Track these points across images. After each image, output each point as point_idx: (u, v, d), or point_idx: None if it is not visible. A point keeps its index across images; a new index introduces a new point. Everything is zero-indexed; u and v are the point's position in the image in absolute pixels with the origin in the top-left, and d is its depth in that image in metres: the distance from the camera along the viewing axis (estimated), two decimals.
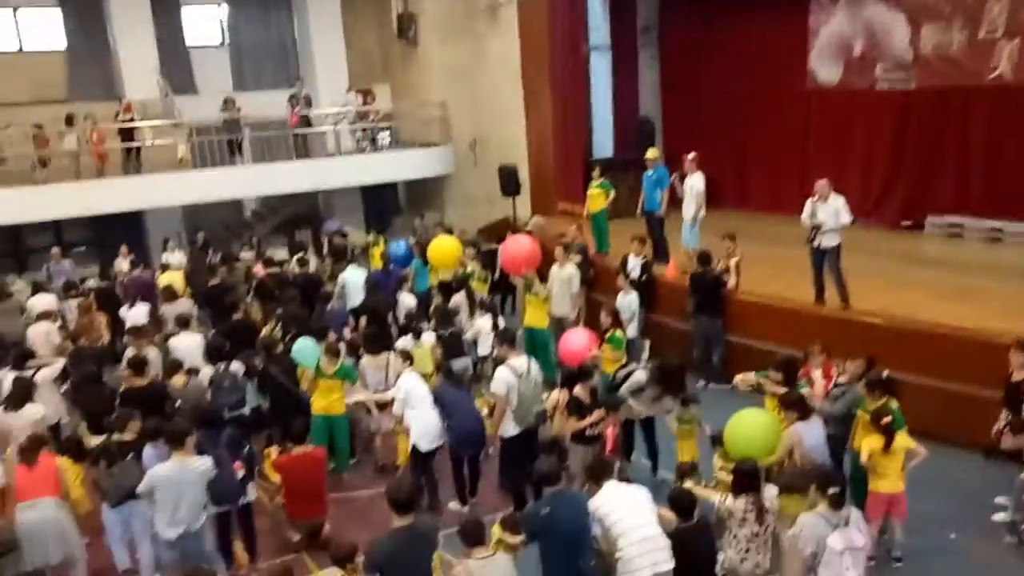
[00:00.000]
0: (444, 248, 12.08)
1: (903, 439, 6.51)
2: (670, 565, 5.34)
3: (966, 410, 8.38)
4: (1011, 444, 7.01)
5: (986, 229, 12.86)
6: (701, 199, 11.73)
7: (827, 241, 9.80)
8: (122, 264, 14.39)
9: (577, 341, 8.94)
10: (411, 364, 8.41)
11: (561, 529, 5.40)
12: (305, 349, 8.73)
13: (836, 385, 7.48)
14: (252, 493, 7.38)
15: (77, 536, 6.89)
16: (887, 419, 6.41)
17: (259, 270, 13.10)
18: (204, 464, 6.50)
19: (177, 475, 6.32)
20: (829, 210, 9.73)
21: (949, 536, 7.15)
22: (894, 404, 6.79)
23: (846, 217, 9.73)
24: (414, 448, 7.89)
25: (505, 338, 8.32)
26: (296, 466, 7.35)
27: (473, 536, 5.17)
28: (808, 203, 9.94)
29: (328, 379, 8.63)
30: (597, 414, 7.48)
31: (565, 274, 11.23)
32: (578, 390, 7.56)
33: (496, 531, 6.05)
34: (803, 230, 10.11)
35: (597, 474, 5.79)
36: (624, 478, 6.91)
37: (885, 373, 7.01)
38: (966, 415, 8.36)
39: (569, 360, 8.64)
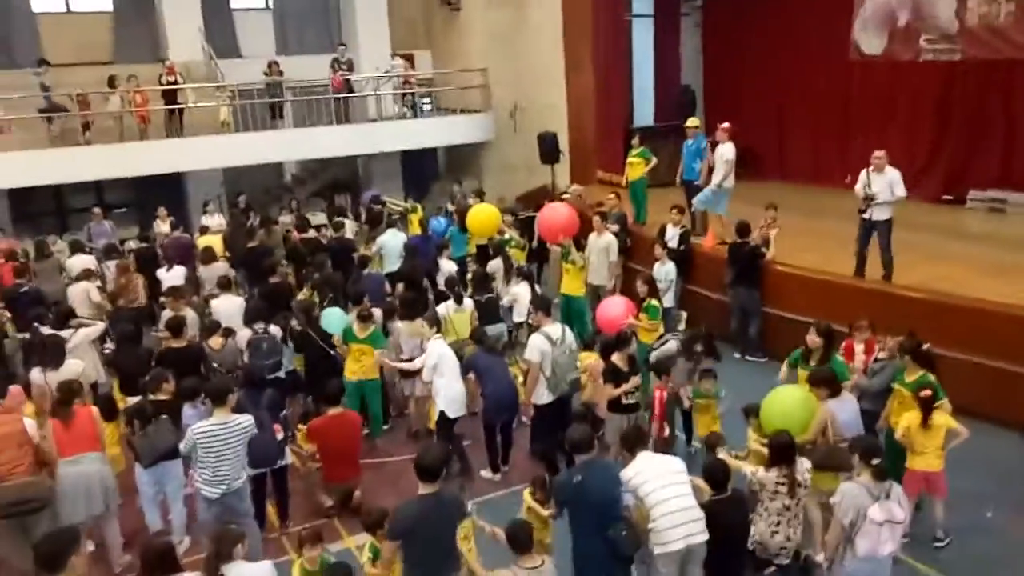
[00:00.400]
0: (484, 215, 12.11)
1: (944, 417, 6.43)
2: (704, 537, 5.33)
3: (1005, 387, 8.30)
4: None
5: None
6: (730, 168, 11.63)
7: (878, 214, 9.67)
8: (161, 226, 14.56)
9: (615, 308, 8.96)
10: (439, 331, 8.37)
11: (592, 498, 5.38)
12: (332, 316, 8.78)
13: (876, 360, 7.42)
14: (289, 456, 7.50)
15: (116, 491, 6.95)
16: (926, 392, 6.35)
17: (295, 235, 13.23)
18: (247, 421, 6.52)
19: (220, 432, 6.35)
20: (883, 182, 9.58)
21: (986, 514, 7.10)
22: (931, 378, 6.72)
23: (900, 191, 9.59)
24: (442, 414, 7.96)
25: (541, 305, 8.34)
26: (331, 427, 7.43)
27: (520, 542, 5.08)
28: (863, 173, 9.79)
29: (360, 343, 8.67)
30: (633, 382, 7.49)
31: (603, 242, 11.22)
32: (616, 358, 7.55)
33: (527, 496, 6.14)
34: (856, 200, 9.98)
35: (631, 443, 5.74)
36: (665, 447, 6.98)
37: (926, 346, 6.92)
38: (1005, 392, 8.29)
39: (606, 327, 8.68)
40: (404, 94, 18.72)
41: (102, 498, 6.72)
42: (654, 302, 9.22)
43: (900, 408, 6.85)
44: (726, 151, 11.65)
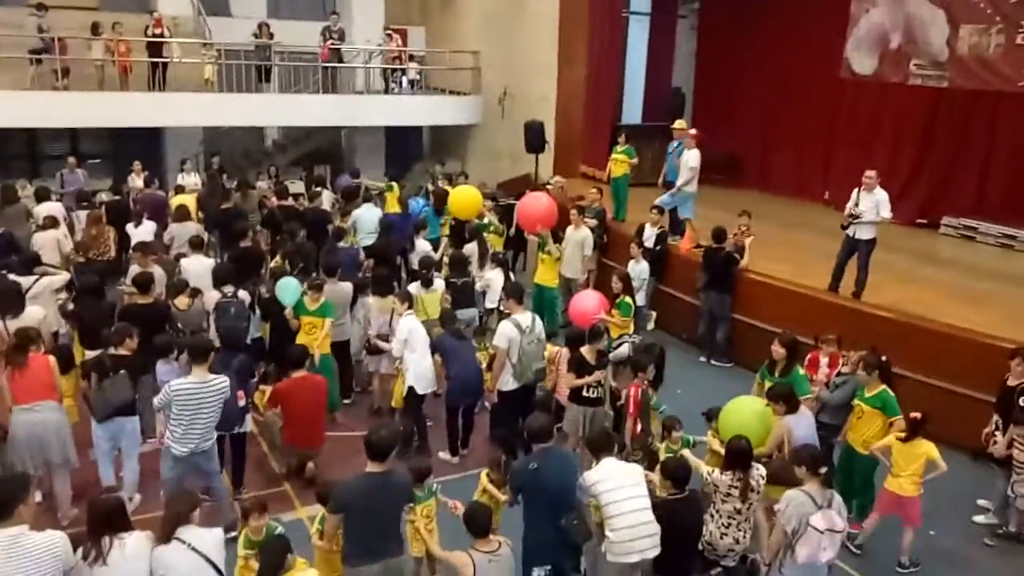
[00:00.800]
0: (466, 197, 12.07)
1: (928, 446, 6.52)
2: (656, 552, 5.35)
3: (960, 411, 8.41)
4: (1002, 452, 7.07)
5: (1000, 235, 12.81)
6: (694, 174, 11.77)
7: (862, 232, 9.77)
8: (136, 180, 14.34)
9: (588, 302, 9.00)
10: (410, 307, 8.36)
11: (547, 486, 5.40)
12: (287, 286, 8.55)
13: (839, 374, 7.53)
14: (249, 423, 7.46)
15: (71, 442, 6.85)
16: (915, 415, 6.47)
17: (273, 201, 13.09)
18: (224, 383, 6.47)
19: (197, 391, 6.32)
20: (871, 201, 9.67)
21: (929, 532, 7.21)
22: (890, 394, 6.82)
23: (886, 212, 9.68)
24: (411, 390, 7.96)
25: (513, 292, 8.34)
26: (295, 390, 7.40)
27: (477, 525, 5.08)
28: (855, 192, 9.89)
29: (310, 316, 8.47)
30: (596, 375, 7.51)
31: (579, 236, 11.25)
32: (585, 350, 7.58)
33: (483, 478, 6.15)
34: (838, 216, 10.10)
35: (597, 448, 5.70)
36: (642, 442, 7.01)
37: (883, 358, 7.02)
38: (959, 416, 8.40)
39: (578, 320, 8.70)
40: (394, 70, 18.59)
41: (57, 448, 6.65)
42: (627, 299, 9.25)
43: (859, 424, 6.94)
44: (691, 158, 11.77)
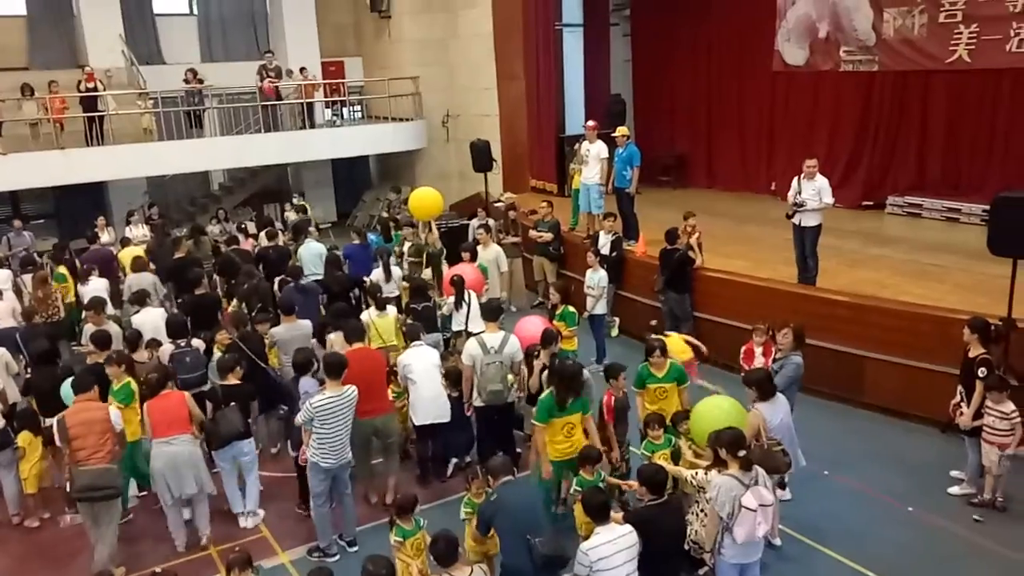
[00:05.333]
0: (427, 198, 12.07)
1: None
2: None
3: (924, 386, 8.59)
4: (968, 423, 7.21)
5: (945, 208, 13.09)
6: (605, 164, 12.23)
7: (807, 220, 9.95)
8: (102, 236, 13.88)
9: (532, 327, 8.71)
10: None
11: (510, 512, 5.41)
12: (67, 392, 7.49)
13: (775, 360, 7.69)
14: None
15: (207, 470, 7.21)
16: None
17: (247, 244, 12.87)
18: (353, 391, 6.82)
19: (334, 403, 6.68)
20: (812, 189, 9.86)
21: (908, 509, 7.33)
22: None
23: (828, 198, 9.87)
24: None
25: (486, 312, 8.26)
26: (354, 360, 7.23)
27: (441, 554, 5.06)
28: (795, 180, 10.08)
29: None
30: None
31: (490, 254, 11.34)
32: (543, 355, 7.64)
33: (468, 530, 6.08)
34: (787, 207, 10.22)
35: (595, 513, 5.34)
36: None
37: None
38: (924, 391, 8.58)
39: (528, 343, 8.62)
40: (333, 102, 18.53)
41: (194, 478, 6.99)
42: (570, 308, 9.26)
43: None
44: (600, 149, 12.27)
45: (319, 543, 7.04)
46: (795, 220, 10.05)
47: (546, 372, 7.45)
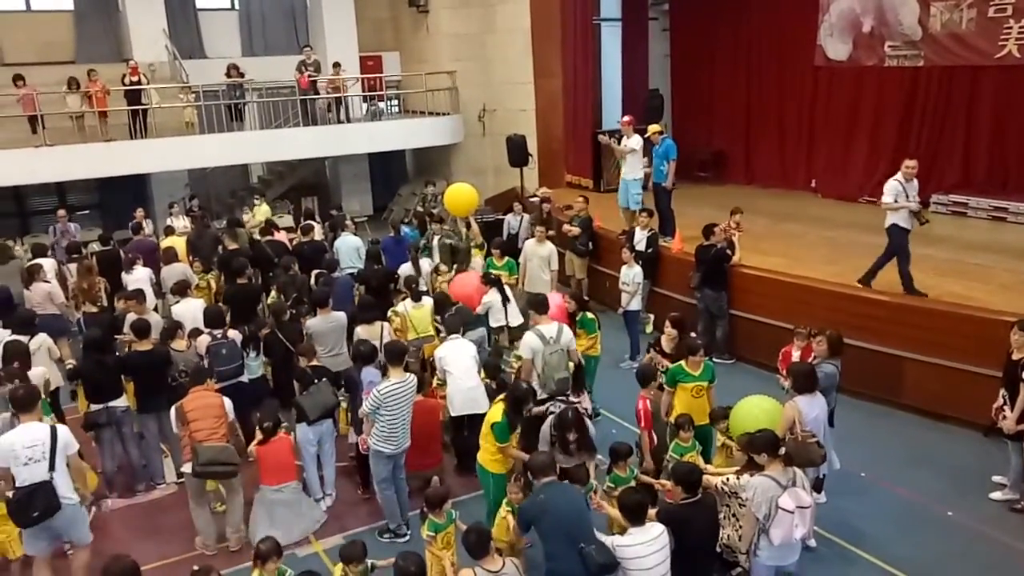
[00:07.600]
0: (462, 193, 12.12)
1: None
2: None
3: (966, 388, 8.42)
4: (1012, 427, 7.05)
5: (990, 208, 12.78)
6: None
7: (907, 222, 9.44)
8: (145, 228, 14.06)
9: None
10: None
11: (559, 514, 5.29)
12: None
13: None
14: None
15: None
16: None
17: (282, 236, 12.98)
18: (413, 379, 7.04)
19: (399, 390, 6.85)
20: (913, 190, 9.46)
21: (947, 513, 7.20)
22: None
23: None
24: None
25: (534, 305, 8.24)
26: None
27: (473, 547, 5.06)
28: (893, 183, 9.49)
29: None
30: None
31: (544, 251, 11.23)
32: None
33: (503, 510, 6.07)
34: (876, 212, 9.83)
35: (633, 514, 5.29)
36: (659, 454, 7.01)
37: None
38: (966, 393, 8.41)
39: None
40: (372, 96, 18.64)
41: (302, 529, 7.30)
42: (588, 315, 9.07)
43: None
44: (634, 143, 12.24)
45: (388, 523, 7.24)
46: (897, 221, 9.43)
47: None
